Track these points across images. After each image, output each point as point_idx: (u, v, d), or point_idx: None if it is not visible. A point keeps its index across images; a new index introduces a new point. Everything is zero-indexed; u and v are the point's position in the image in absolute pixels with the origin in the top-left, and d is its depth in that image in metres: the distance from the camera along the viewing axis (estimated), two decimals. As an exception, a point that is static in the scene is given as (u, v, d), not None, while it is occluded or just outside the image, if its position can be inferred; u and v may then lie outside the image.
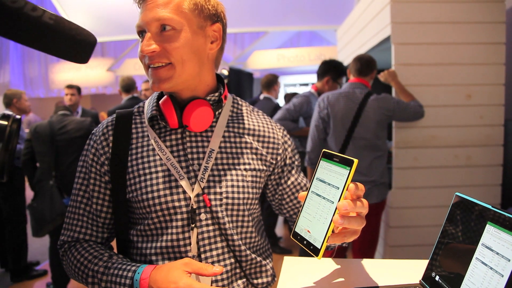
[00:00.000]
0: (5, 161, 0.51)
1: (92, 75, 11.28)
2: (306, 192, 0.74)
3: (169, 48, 0.82)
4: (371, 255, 2.47)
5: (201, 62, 0.88)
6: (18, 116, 0.54)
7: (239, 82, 7.06)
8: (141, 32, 0.85)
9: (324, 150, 0.73)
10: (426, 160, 2.54)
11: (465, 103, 2.51)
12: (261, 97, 4.02)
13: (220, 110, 0.96)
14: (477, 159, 2.54)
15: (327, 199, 0.67)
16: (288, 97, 4.95)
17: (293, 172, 1.04)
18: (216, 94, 0.94)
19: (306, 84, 9.85)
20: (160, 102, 0.91)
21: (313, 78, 2.93)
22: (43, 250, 4.01)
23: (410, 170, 2.55)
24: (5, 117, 0.53)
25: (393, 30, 2.48)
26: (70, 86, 4.06)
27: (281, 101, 5.93)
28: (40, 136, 2.81)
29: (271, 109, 3.71)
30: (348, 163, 0.65)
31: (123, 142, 0.92)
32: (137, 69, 8.87)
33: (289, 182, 1.04)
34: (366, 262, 0.91)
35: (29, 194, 3.57)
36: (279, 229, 4.69)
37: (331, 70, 2.99)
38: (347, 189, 0.65)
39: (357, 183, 0.67)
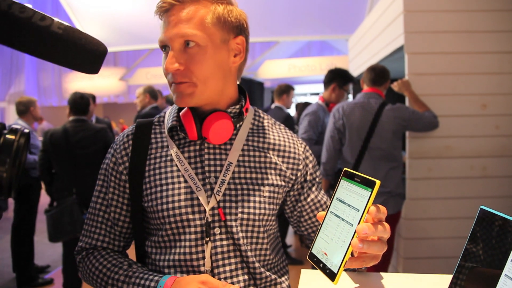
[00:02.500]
0: (12, 177, 0.48)
1: (104, 84, 11.47)
2: (324, 212, 0.71)
3: (192, 68, 0.81)
4: (385, 268, 2.42)
5: (224, 76, 0.87)
6: (26, 130, 0.51)
7: (250, 92, 7.11)
8: (164, 47, 0.84)
9: (345, 169, 0.69)
10: (440, 171, 2.50)
11: (481, 113, 2.47)
12: (273, 106, 4.04)
13: (241, 123, 0.93)
14: (493, 170, 2.49)
15: (346, 221, 0.64)
16: (299, 106, 4.94)
17: (313, 189, 1.01)
18: (237, 106, 0.92)
19: (317, 94, 9.86)
20: (180, 113, 0.90)
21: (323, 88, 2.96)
22: (55, 257, 4.03)
23: (424, 181, 2.51)
24: (12, 131, 0.50)
25: (406, 40, 2.46)
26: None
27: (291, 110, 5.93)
28: (56, 149, 2.76)
29: (282, 119, 3.71)
30: (369, 184, 0.62)
31: (142, 151, 0.92)
32: (149, 79, 8.94)
33: (308, 199, 1.00)
34: (386, 276, 0.89)
35: (42, 200, 3.61)
36: (289, 238, 4.64)
37: (337, 77, 2.98)
38: (367, 212, 0.62)
39: (379, 205, 0.63)
